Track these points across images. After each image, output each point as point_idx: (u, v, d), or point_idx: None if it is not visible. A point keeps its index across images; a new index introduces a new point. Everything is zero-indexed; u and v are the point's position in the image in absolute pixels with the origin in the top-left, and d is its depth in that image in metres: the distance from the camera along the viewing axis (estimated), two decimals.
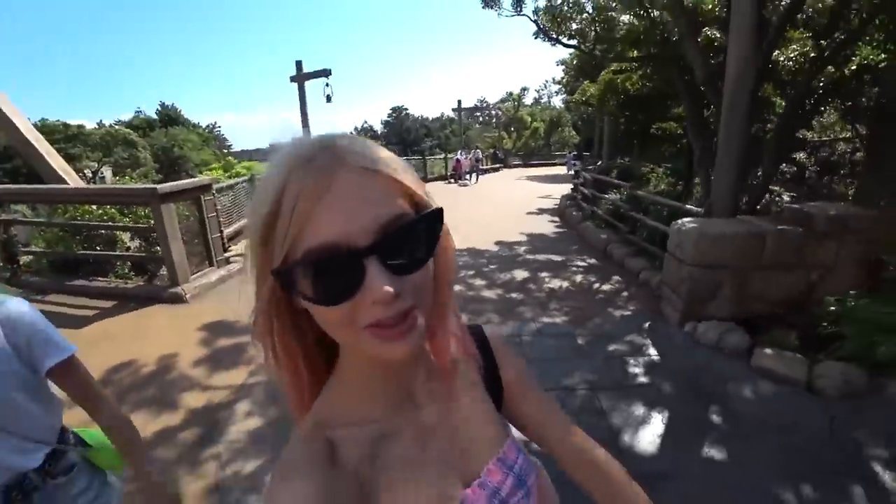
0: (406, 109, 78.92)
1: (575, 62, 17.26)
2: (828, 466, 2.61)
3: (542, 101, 54.18)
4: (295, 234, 0.42)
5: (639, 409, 3.04)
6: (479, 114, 54.73)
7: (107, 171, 26.64)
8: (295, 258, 0.43)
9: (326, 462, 0.50)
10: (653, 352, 3.80)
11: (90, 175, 24.70)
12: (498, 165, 29.50)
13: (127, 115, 41.88)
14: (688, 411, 3.05)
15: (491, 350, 0.71)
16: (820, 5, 7.23)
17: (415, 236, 0.45)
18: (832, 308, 3.78)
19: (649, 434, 2.83)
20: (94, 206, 6.32)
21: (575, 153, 23.35)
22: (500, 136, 36.47)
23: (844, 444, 2.79)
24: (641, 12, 7.12)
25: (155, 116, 41.06)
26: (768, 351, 3.60)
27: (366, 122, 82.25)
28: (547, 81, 53.91)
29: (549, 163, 31.76)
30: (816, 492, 2.44)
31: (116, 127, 31.90)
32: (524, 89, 49.68)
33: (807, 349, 3.68)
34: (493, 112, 45.48)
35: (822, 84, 6.46)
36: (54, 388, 1.23)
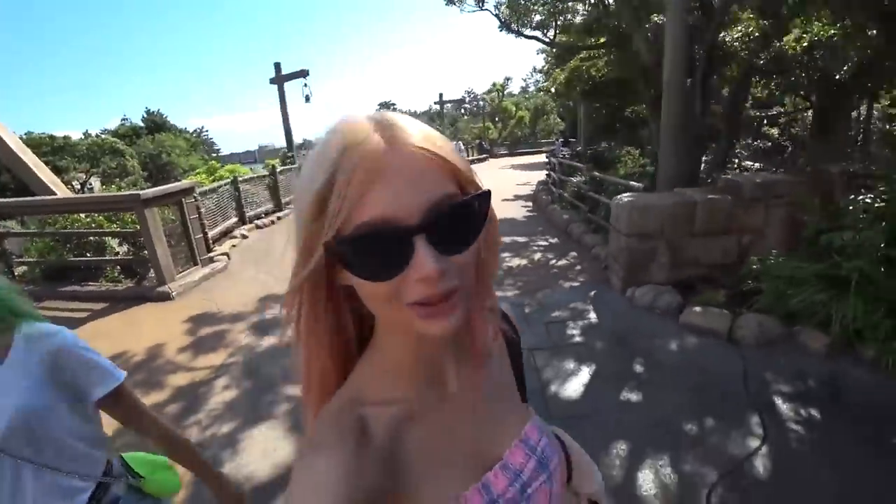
0: (394, 104, 78.93)
1: (554, 50, 17.54)
2: (733, 402, 3.00)
3: (530, 89, 54.36)
4: (348, 210, 0.43)
5: (570, 365, 3.44)
6: (467, 105, 54.82)
7: (95, 182, 26.70)
8: (346, 233, 0.43)
9: (356, 438, 0.50)
10: (592, 316, 4.20)
11: (78, 186, 24.82)
12: (483, 156, 29.72)
13: (113, 124, 41.78)
14: (613, 364, 3.45)
15: (516, 329, 0.73)
16: None
17: (463, 218, 0.46)
18: (755, 266, 4.17)
19: (575, 384, 3.23)
20: (83, 215, 6.66)
21: (562, 140, 23.59)
22: (486, 126, 36.70)
23: (753, 383, 3.19)
24: (594, 1, 7.45)
25: (141, 124, 41.05)
26: (697, 309, 3.99)
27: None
28: (533, 70, 54.10)
29: (535, 151, 31.93)
30: (718, 422, 2.83)
31: (103, 136, 31.90)
32: (507, 79, 49.78)
33: (734, 306, 4.08)
34: (480, 103, 45.67)
35: (762, 62, 6.81)
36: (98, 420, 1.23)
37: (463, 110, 54.65)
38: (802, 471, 2.42)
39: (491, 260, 0.55)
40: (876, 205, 3.88)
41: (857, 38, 6.45)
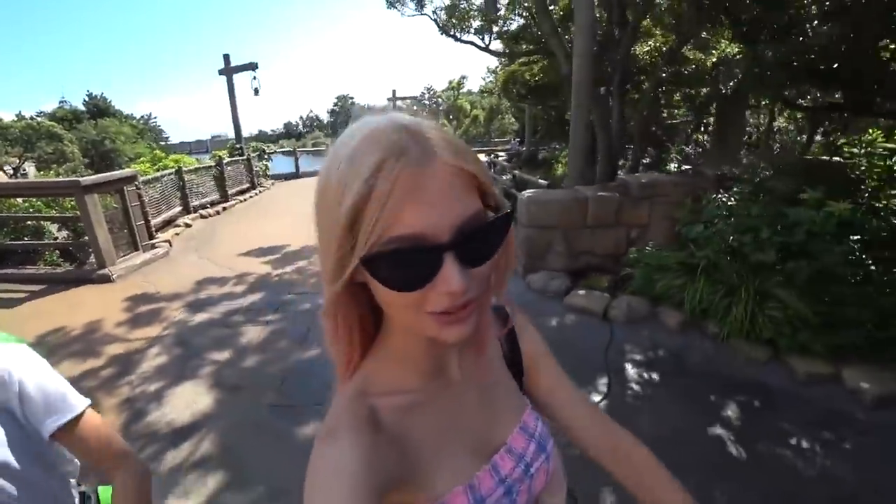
0: (352, 98, 78.55)
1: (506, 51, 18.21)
2: (591, 367, 3.56)
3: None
4: (385, 226, 0.44)
5: None
6: (426, 101, 55.08)
7: (30, 168, 25.53)
8: (378, 247, 0.45)
9: (369, 425, 0.54)
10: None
11: (11, 172, 23.74)
12: None
13: (50, 106, 40.01)
14: None
15: (513, 328, 0.76)
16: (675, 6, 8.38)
17: (488, 235, 0.49)
18: (632, 255, 4.87)
19: None
20: (20, 200, 6.76)
21: (519, 140, 24.32)
22: (441, 124, 37.19)
23: (613, 353, 3.79)
24: (522, 12, 8.08)
25: (83, 108, 39.43)
26: (581, 292, 4.64)
27: (311, 111, 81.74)
28: (488, 70, 54.93)
29: (489, 149, 32.54)
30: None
31: (39, 119, 30.50)
32: (464, 77, 50.58)
33: (614, 290, 4.76)
34: (438, 100, 46.17)
35: (664, 75, 7.61)
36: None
37: (426, 106, 54.92)
38: (631, 420, 2.94)
39: (506, 264, 0.58)
40: (728, 203, 4.63)
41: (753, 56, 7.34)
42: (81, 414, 0.96)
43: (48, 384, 0.94)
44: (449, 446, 0.61)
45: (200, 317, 4.61)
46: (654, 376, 3.53)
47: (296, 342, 4.01)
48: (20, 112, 33.36)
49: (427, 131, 0.48)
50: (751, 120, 13.26)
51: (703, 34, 7.96)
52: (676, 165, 9.99)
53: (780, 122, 12.49)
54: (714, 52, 8.79)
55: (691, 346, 3.86)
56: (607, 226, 5.22)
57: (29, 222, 6.74)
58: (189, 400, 3.21)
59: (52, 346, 4.10)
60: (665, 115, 11.03)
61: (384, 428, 0.56)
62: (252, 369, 3.62)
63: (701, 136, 14.15)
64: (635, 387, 3.40)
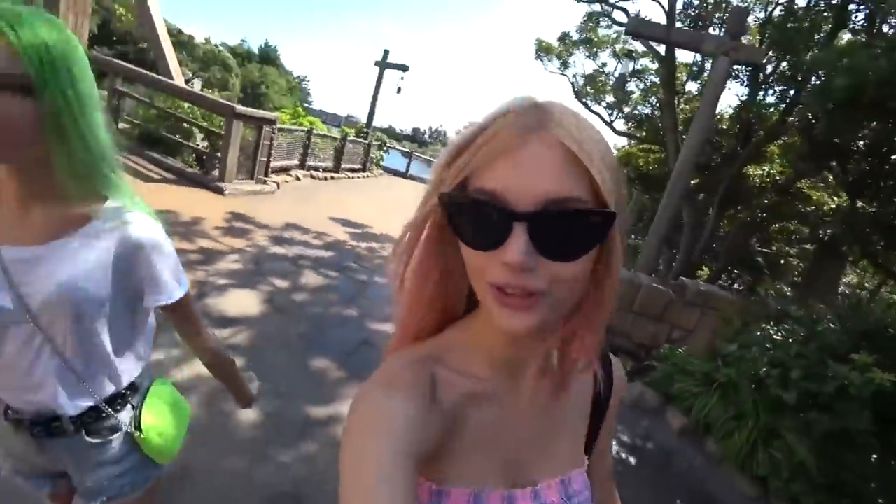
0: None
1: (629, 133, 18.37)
2: None
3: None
4: (472, 170, 0.45)
5: None
6: None
7: (197, 84, 29.23)
8: (461, 190, 0.46)
9: (428, 392, 0.52)
10: None
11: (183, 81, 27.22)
12: None
13: (232, 41, 45.45)
14: None
15: (612, 380, 0.71)
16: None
17: (574, 227, 0.44)
18: (662, 350, 4.99)
19: None
20: (186, 105, 8.06)
21: None
22: None
23: None
24: (654, 101, 8.38)
25: (256, 52, 44.39)
26: None
27: (441, 125, 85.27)
28: (615, 147, 54.47)
29: None
30: None
31: (220, 48, 34.72)
32: None
33: (634, 375, 4.90)
34: None
35: (766, 202, 7.55)
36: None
37: None
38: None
39: (600, 294, 0.51)
40: (774, 336, 4.64)
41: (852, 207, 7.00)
42: (181, 299, 1.02)
43: (165, 264, 0.98)
44: (484, 452, 0.57)
45: (277, 249, 5.38)
46: (633, 461, 3.64)
47: (342, 300, 4.61)
48: (208, 37, 38.25)
49: (555, 108, 0.46)
50: (864, 283, 12.37)
51: (830, 178, 7.79)
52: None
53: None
54: (836, 198, 8.50)
55: (684, 453, 3.91)
56: (651, 317, 5.36)
57: (185, 124, 7.99)
58: (242, 303, 3.86)
59: (161, 221, 4.96)
60: (774, 248, 10.70)
61: (440, 402, 0.53)
62: (299, 303, 4.25)
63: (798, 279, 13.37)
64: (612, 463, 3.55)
